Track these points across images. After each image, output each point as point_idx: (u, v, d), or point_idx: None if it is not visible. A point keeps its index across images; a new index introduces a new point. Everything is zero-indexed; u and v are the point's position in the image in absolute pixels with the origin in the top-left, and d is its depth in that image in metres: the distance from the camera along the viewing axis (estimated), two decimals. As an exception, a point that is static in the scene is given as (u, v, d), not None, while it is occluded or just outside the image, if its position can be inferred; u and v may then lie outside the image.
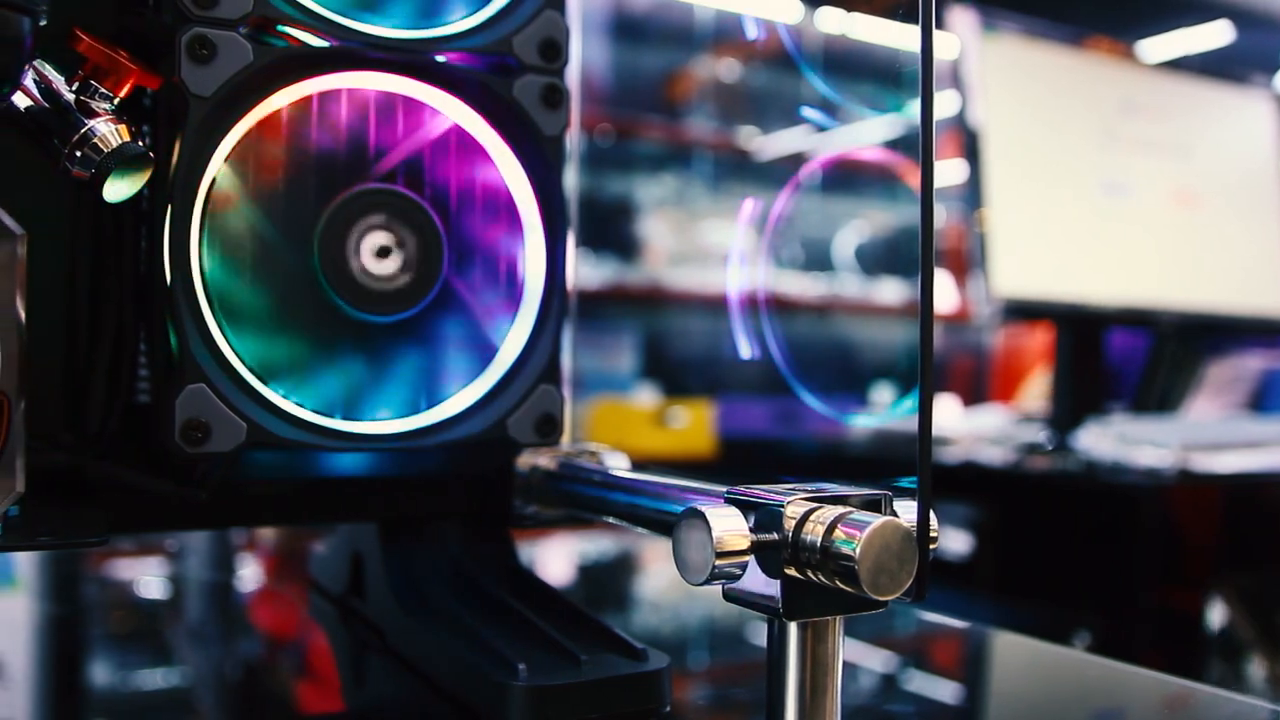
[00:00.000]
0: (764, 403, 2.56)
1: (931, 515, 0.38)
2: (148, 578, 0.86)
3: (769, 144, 3.00)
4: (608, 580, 0.91)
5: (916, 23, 0.39)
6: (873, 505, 0.39)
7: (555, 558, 0.94)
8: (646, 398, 2.61)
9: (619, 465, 0.54)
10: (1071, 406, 1.51)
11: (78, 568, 0.85)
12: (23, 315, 0.42)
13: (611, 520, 0.49)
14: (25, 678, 0.59)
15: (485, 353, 0.52)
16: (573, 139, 0.55)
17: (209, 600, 0.82)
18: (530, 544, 0.93)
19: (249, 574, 0.89)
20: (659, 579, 0.91)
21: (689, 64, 3.07)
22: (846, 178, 3.17)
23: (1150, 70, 1.63)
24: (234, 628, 0.75)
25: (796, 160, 2.89)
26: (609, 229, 2.74)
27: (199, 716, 0.55)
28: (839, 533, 0.36)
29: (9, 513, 0.42)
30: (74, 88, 0.44)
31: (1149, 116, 1.56)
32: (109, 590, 0.83)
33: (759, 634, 0.66)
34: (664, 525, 0.44)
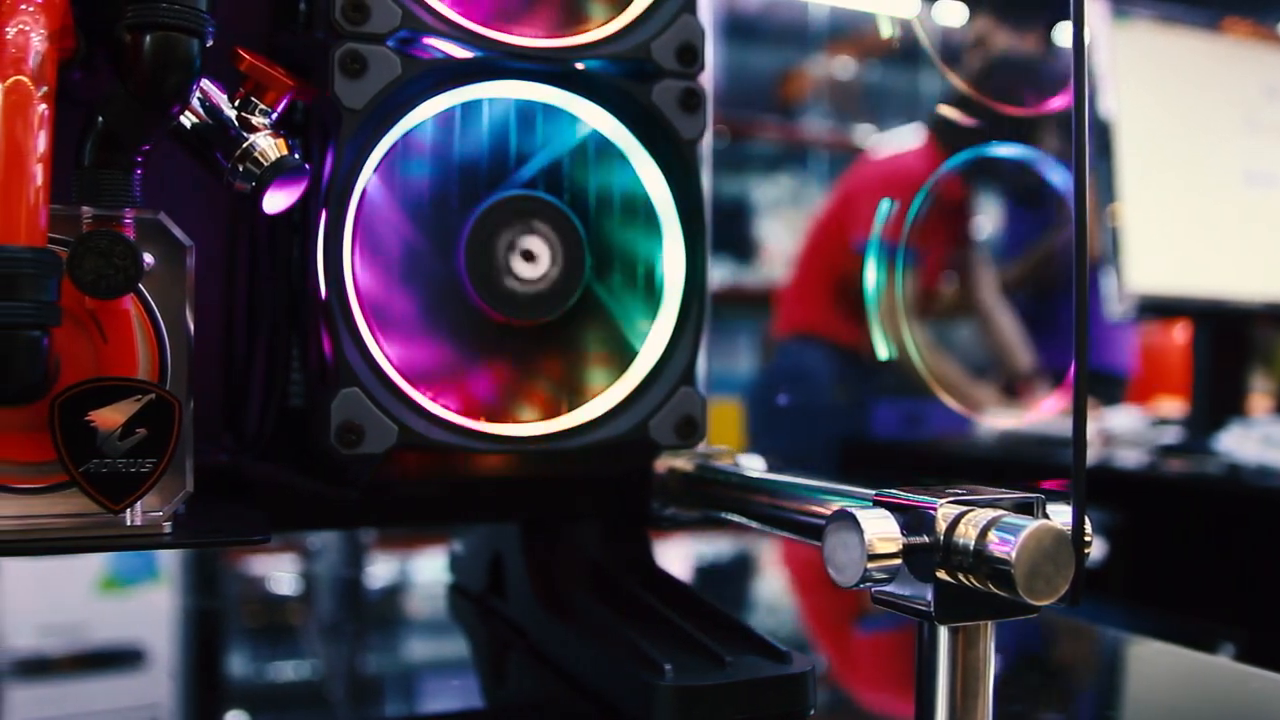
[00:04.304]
0: (883, 404, 2.52)
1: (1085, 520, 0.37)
2: (282, 573, 0.89)
3: (886, 141, 2.96)
4: (727, 581, 0.91)
5: (1064, 18, 0.39)
6: (1026, 508, 0.38)
7: (671, 559, 0.94)
8: (764, 399, 2.59)
9: (756, 467, 0.54)
10: (1211, 408, 1.45)
11: (215, 563, 0.89)
12: (191, 324, 0.44)
13: (752, 523, 0.49)
14: (167, 665, 0.62)
15: (626, 356, 0.53)
16: (707, 142, 0.55)
17: (346, 596, 0.85)
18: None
19: (381, 571, 0.91)
20: (775, 581, 0.90)
21: (803, 63, 3.05)
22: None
23: (1296, 53, 1.55)
24: (374, 624, 0.77)
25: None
26: (725, 231, 2.74)
27: (346, 710, 0.57)
28: (993, 536, 0.36)
29: (178, 511, 0.44)
30: (235, 104, 0.46)
31: (1296, 102, 1.49)
32: (247, 584, 0.87)
33: (883, 636, 0.66)
34: (808, 528, 0.44)
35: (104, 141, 0.42)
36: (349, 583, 0.89)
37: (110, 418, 0.40)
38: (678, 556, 0.95)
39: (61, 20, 0.40)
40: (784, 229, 2.87)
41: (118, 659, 0.63)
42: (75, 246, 0.39)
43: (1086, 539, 0.37)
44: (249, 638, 0.72)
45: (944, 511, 0.37)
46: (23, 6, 0.39)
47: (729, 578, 0.92)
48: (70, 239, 0.40)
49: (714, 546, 0.99)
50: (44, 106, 0.38)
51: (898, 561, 0.37)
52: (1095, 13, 1.39)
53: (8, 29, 0.38)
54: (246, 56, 0.46)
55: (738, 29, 3.01)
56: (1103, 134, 1.37)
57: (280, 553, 0.93)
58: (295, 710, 0.58)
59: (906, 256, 1.78)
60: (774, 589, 0.89)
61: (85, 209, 0.42)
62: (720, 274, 2.65)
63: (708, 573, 0.92)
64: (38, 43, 0.38)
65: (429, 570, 0.89)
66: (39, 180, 0.38)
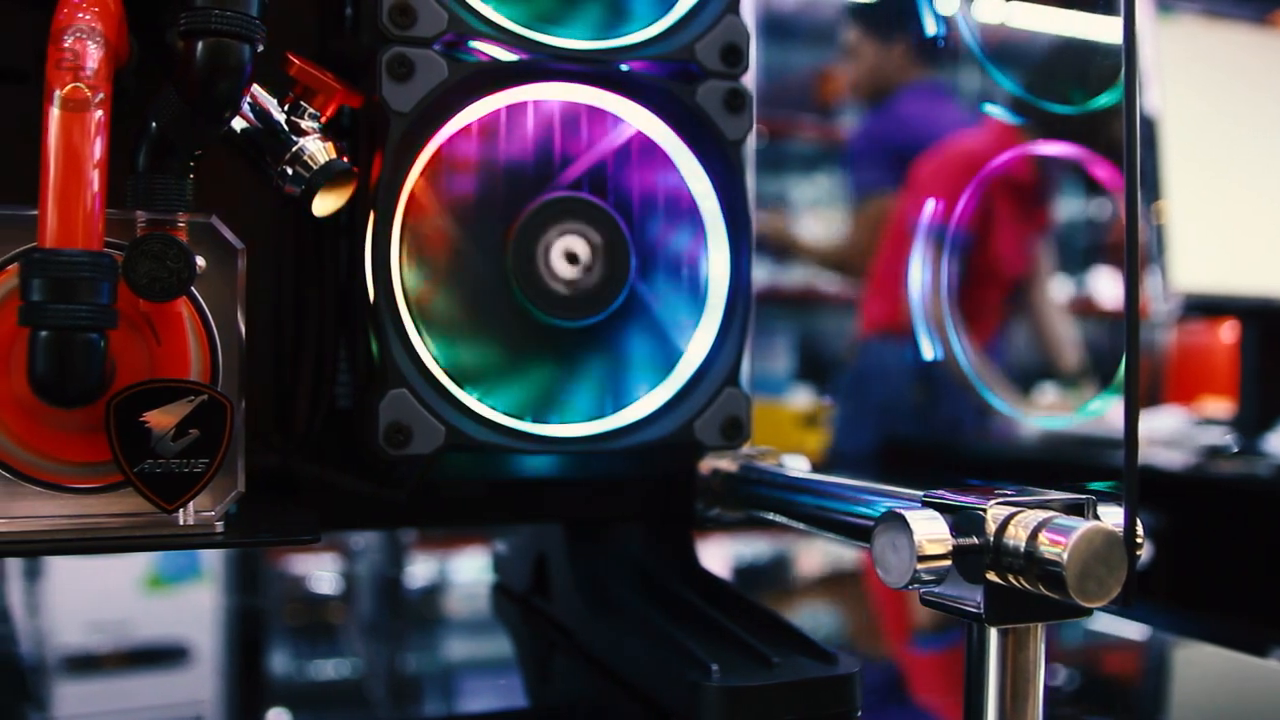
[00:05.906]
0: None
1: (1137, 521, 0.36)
2: (324, 573, 0.90)
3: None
4: (770, 581, 0.91)
5: (1107, 13, 0.38)
6: (1076, 509, 0.38)
7: (714, 559, 0.94)
8: (801, 399, 2.59)
9: (800, 468, 0.54)
10: (1259, 408, 1.42)
11: (258, 562, 0.90)
12: (243, 326, 0.44)
13: (798, 525, 0.49)
14: (211, 663, 0.63)
15: (671, 356, 0.53)
16: (752, 142, 0.55)
17: (388, 596, 0.85)
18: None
19: (422, 571, 0.91)
20: (819, 581, 0.90)
21: (840, 62, 3.03)
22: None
23: (1347, 46, 1.52)
24: (417, 623, 0.77)
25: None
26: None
27: (390, 708, 0.57)
28: (1044, 537, 0.35)
29: (229, 510, 0.44)
30: (284, 108, 0.46)
31: (1346, 96, 1.46)
32: (289, 584, 0.87)
33: (931, 637, 0.65)
34: (855, 529, 0.44)
35: (157, 146, 0.42)
36: (390, 582, 0.89)
37: (164, 419, 0.41)
38: (720, 557, 0.95)
39: (117, 27, 0.40)
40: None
41: (162, 656, 0.64)
42: (130, 250, 0.40)
43: (1138, 540, 0.37)
44: (291, 636, 0.73)
45: (994, 513, 0.37)
46: (79, 15, 0.39)
47: (772, 578, 0.92)
48: (125, 243, 0.41)
49: (754, 547, 0.98)
50: (100, 113, 0.39)
51: (947, 563, 0.37)
52: (1140, 7, 1.37)
53: (65, 36, 0.39)
54: (296, 61, 0.46)
55: (775, 29, 3.00)
56: (1148, 130, 1.35)
57: (322, 552, 0.93)
58: (340, 708, 0.58)
59: (974, 245, 1.75)
60: (818, 589, 0.88)
61: (139, 213, 0.42)
62: (757, 274, 2.64)
63: (750, 573, 0.92)
64: (94, 49, 0.39)
65: (470, 570, 0.90)
66: (96, 186, 0.39)
